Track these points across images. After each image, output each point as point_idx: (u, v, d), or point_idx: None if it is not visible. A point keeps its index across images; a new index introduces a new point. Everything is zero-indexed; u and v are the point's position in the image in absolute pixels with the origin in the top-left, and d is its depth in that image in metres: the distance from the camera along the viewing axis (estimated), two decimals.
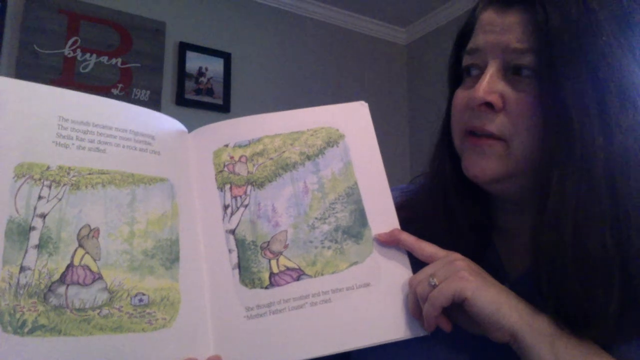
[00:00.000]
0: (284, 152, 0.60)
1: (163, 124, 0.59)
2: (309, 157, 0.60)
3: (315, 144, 0.61)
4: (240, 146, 0.61)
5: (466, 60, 0.60)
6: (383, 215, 0.59)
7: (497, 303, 0.50)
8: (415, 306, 0.55)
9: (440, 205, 0.64)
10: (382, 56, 3.05)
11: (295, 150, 0.60)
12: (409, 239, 0.57)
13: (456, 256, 0.54)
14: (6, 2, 2.13)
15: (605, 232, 0.50)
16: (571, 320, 0.51)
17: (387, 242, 0.58)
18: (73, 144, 0.53)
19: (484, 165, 0.57)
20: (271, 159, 0.60)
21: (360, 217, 0.59)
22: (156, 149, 0.57)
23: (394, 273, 0.57)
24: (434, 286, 0.52)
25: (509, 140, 0.55)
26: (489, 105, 0.56)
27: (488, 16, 0.58)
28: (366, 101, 0.64)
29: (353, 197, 0.59)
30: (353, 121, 0.63)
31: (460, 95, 0.60)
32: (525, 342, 0.49)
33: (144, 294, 0.51)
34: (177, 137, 0.60)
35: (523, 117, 0.55)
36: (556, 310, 0.51)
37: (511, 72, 0.56)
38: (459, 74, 0.63)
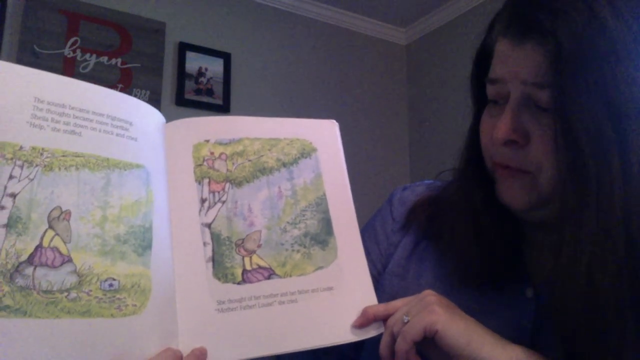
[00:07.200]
0: (262, 156, 0.63)
1: (141, 111, 0.58)
2: (284, 164, 0.63)
3: (291, 152, 0.64)
4: (220, 143, 0.62)
5: (489, 90, 0.59)
6: (347, 227, 0.63)
7: (467, 335, 0.51)
8: (387, 346, 0.55)
9: (469, 218, 0.63)
10: (382, 56, 3.04)
11: (273, 156, 0.63)
12: (379, 308, 0.58)
13: (427, 292, 0.56)
14: (6, 2, 2.14)
15: (620, 275, 0.49)
16: None
17: (365, 324, 0.58)
18: (48, 125, 0.52)
19: (514, 195, 0.58)
20: (250, 160, 0.62)
21: (327, 226, 0.62)
22: (133, 136, 0.56)
23: (355, 279, 0.61)
24: (407, 323, 0.53)
25: (535, 173, 0.55)
26: (513, 141, 0.55)
27: (504, 46, 0.56)
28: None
29: (321, 207, 0.63)
30: (324, 137, 0.66)
31: (487, 124, 0.60)
32: None
33: (114, 279, 0.50)
34: (155, 126, 0.59)
35: (547, 151, 0.53)
36: (567, 353, 0.51)
37: (533, 104, 0.54)
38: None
